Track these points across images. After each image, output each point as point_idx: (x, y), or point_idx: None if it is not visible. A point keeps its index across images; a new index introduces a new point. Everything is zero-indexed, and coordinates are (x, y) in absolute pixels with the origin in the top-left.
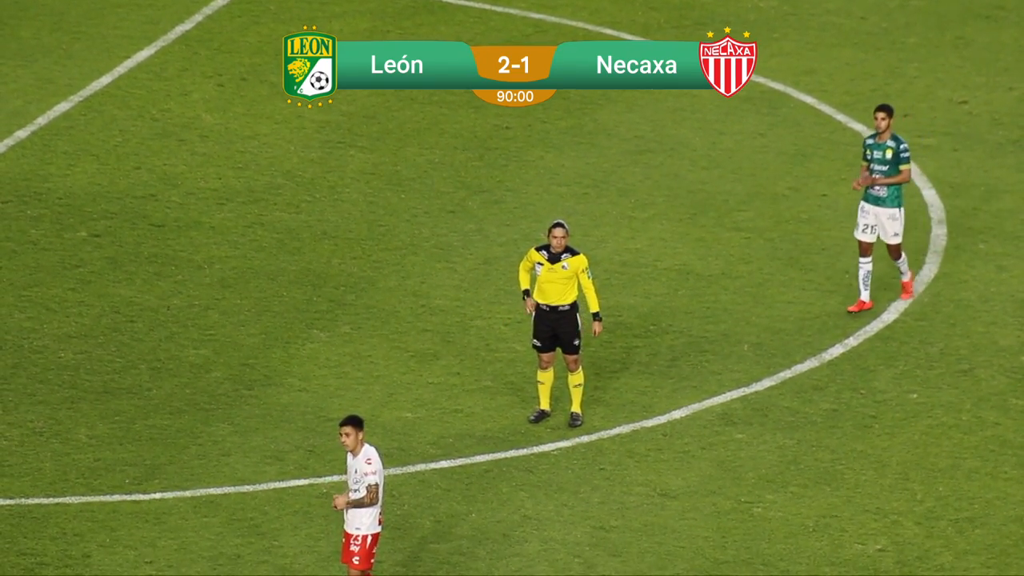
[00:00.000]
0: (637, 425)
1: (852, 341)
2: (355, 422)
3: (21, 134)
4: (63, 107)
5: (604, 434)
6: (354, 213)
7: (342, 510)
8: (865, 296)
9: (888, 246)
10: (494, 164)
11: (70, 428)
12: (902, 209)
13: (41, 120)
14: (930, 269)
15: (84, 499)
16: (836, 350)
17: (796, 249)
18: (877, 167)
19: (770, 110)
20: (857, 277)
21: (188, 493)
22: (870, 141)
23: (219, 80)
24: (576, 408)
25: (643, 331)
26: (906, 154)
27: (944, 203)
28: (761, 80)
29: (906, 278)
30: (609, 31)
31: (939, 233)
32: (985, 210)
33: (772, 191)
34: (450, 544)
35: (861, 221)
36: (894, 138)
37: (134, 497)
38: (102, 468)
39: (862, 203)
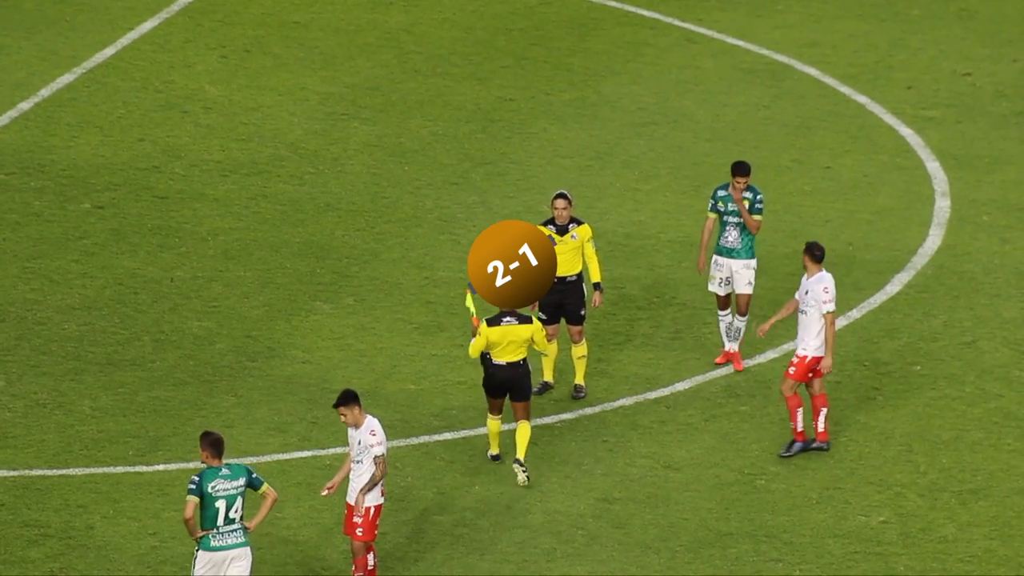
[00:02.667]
0: (640, 397)
1: (855, 313)
2: (347, 401)
3: (24, 106)
4: (66, 79)
5: (607, 406)
6: (357, 185)
7: (357, 491)
8: (731, 347)
9: (738, 297)
10: (497, 136)
11: (74, 400)
12: (755, 259)
13: (44, 92)
14: (933, 241)
15: (87, 471)
16: (839, 322)
17: (799, 221)
18: (732, 219)
19: (773, 82)
20: (719, 330)
21: (192, 464)
22: (723, 193)
23: (222, 52)
24: (579, 380)
25: (646, 303)
26: (760, 205)
27: (947, 175)
28: (764, 52)
29: (736, 345)
30: (613, 3)
31: (942, 205)
32: (988, 182)
33: (775, 163)
34: (453, 516)
35: (716, 274)
36: (750, 188)
37: (137, 469)
38: (105, 440)
39: (715, 256)
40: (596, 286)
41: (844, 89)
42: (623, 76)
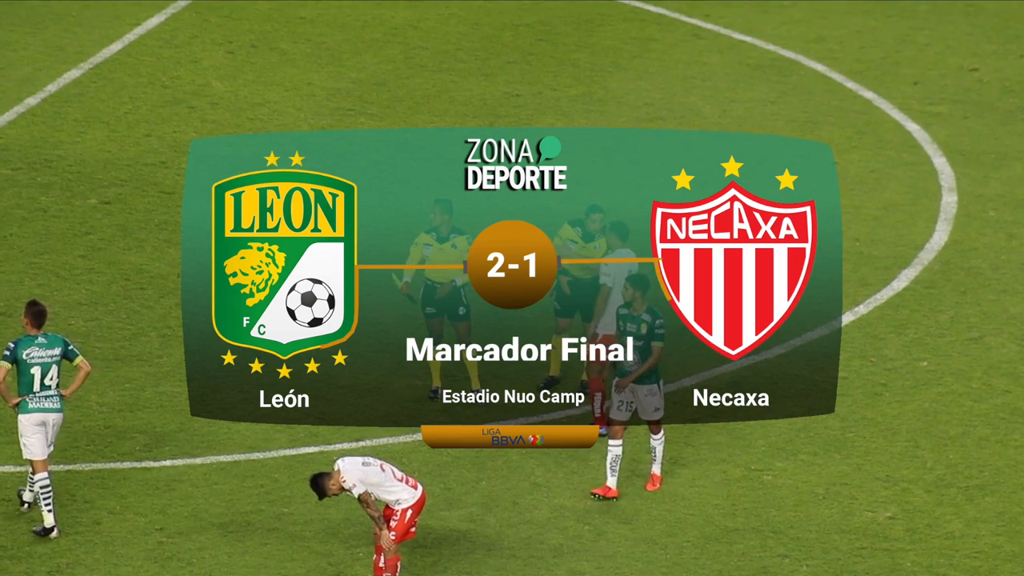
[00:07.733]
0: None
1: (862, 309)
2: (317, 493)
3: (31, 101)
4: (73, 74)
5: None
6: None
7: (382, 528)
8: (612, 483)
9: (649, 423)
10: None
11: (80, 395)
12: (660, 383)
13: (51, 87)
14: (940, 237)
15: (94, 466)
16: (846, 318)
17: None
18: (635, 342)
19: (780, 78)
20: (605, 460)
21: (198, 460)
22: (623, 311)
23: (229, 47)
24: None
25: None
26: (661, 331)
27: (954, 170)
28: (771, 48)
29: (657, 467)
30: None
31: (949, 201)
32: (995, 177)
33: None
34: (460, 511)
35: (616, 398)
36: (650, 311)
37: (144, 464)
38: (112, 435)
39: (617, 379)
40: None
41: (851, 85)
42: (629, 72)
